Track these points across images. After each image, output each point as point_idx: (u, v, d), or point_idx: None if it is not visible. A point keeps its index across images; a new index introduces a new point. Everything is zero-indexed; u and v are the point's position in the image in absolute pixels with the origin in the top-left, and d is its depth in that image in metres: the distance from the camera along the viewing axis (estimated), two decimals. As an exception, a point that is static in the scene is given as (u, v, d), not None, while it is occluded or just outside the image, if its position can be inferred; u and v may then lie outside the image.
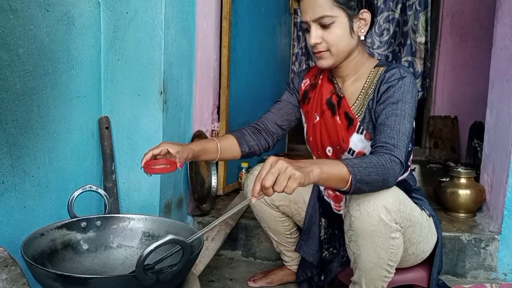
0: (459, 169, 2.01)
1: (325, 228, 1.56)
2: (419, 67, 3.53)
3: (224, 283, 1.68)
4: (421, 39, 3.50)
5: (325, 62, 1.27)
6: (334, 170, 1.05)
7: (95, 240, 1.16)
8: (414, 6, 3.46)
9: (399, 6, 3.50)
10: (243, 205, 1.02)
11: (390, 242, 1.19)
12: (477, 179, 2.07)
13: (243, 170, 2.45)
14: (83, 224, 1.15)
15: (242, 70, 2.38)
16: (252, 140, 1.45)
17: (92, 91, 1.57)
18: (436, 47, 3.55)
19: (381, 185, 1.13)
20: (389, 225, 1.16)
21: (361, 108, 1.29)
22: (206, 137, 2.15)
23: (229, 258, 1.92)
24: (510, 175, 1.70)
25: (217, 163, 2.22)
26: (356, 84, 1.32)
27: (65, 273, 0.85)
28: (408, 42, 3.53)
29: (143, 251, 0.81)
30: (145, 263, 0.82)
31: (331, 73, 1.38)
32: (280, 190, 0.94)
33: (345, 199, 1.24)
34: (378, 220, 1.15)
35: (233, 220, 1.86)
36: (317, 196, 1.55)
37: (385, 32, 3.54)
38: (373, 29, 3.51)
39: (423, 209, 1.33)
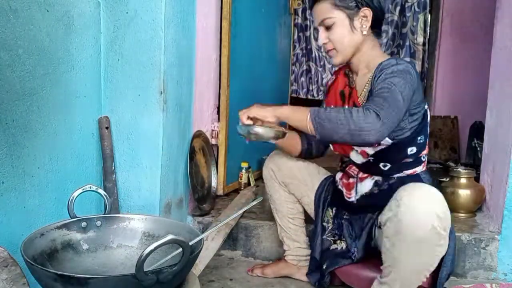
0: (459, 169, 2.01)
1: (333, 217, 1.57)
2: (418, 68, 3.53)
3: (224, 283, 1.68)
4: (420, 39, 3.50)
5: (335, 59, 1.42)
6: (297, 109, 1.28)
7: (95, 240, 1.16)
8: (413, 7, 3.47)
9: (398, 8, 3.50)
10: (253, 203, 1.04)
11: (437, 249, 1.20)
12: (477, 179, 2.07)
13: (243, 170, 2.45)
14: (83, 224, 1.15)
15: (242, 70, 2.38)
16: (311, 140, 1.58)
17: (92, 91, 1.57)
18: (436, 47, 3.55)
19: (348, 126, 1.17)
20: (440, 233, 1.17)
21: (365, 98, 1.40)
22: (206, 137, 2.15)
23: (229, 258, 1.92)
24: (510, 175, 1.70)
25: (217, 163, 2.22)
26: (365, 77, 1.42)
27: (65, 273, 0.85)
28: (407, 43, 3.53)
29: (143, 251, 0.81)
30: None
31: (348, 67, 1.50)
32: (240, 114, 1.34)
33: (391, 205, 1.22)
34: (430, 228, 1.16)
35: (233, 220, 1.86)
36: (331, 187, 1.61)
37: (383, 34, 3.55)
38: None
39: None
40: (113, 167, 1.63)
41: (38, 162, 1.29)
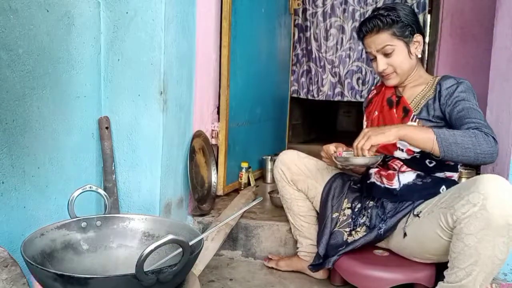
0: (459, 169, 2.00)
1: (351, 208, 1.62)
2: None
3: (224, 283, 1.68)
4: (420, 39, 3.51)
5: (392, 81, 1.56)
6: (419, 129, 1.33)
7: (95, 240, 1.16)
8: (413, 7, 3.46)
9: None
10: (253, 203, 1.05)
11: None
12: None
13: (243, 170, 2.46)
14: (83, 224, 1.15)
15: (242, 70, 2.38)
16: None
17: (92, 91, 1.57)
18: (436, 47, 3.55)
19: (474, 150, 1.28)
20: None
21: (418, 105, 1.52)
22: (206, 137, 2.15)
23: (229, 258, 1.92)
24: (510, 175, 1.70)
25: (217, 163, 2.22)
26: (415, 89, 1.56)
27: (65, 273, 0.85)
28: (408, 43, 3.53)
29: (143, 251, 0.81)
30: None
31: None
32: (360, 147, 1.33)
33: (470, 199, 1.24)
34: None
35: (233, 220, 1.86)
36: (346, 182, 1.68)
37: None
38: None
39: None
40: (113, 167, 1.63)
41: (38, 162, 1.29)
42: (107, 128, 1.62)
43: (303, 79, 3.61)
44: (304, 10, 3.51)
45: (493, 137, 1.31)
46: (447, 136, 1.29)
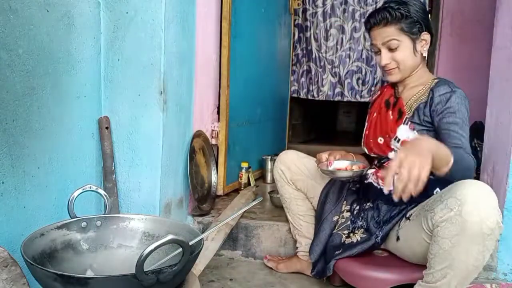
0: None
1: (350, 211, 1.61)
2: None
3: (224, 283, 1.68)
4: (420, 39, 3.50)
5: (394, 77, 1.54)
6: (439, 144, 1.23)
7: (95, 240, 1.16)
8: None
9: None
10: (253, 203, 1.05)
11: (495, 243, 1.23)
12: (477, 179, 2.07)
13: (243, 170, 2.46)
14: (83, 224, 1.15)
15: (242, 70, 2.38)
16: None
17: (92, 91, 1.57)
18: (436, 47, 3.55)
19: (462, 173, 1.28)
20: (501, 227, 1.20)
21: (411, 107, 1.51)
22: (206, 137, 2.15)
23: (229, 258, 1.92)
24: (510, 175, 1.70)
25: (217, 163, 2.22)
26: (412, 90, 1.55)
27: (65, 273, 0.85)
28: (407, 43, 3.52)
29: (143, 251, 0.81)
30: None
31: (395, 83, 1.62)
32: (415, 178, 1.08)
33: (448, 204, 1.23)
34: (496, 223, 1.18)
35: (233, 220, 1.86)
36: (345, 184, 1.67)
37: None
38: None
39: None
40: (113, 167, 1.63)
41: (38, 162, 1.29)
42: (107, 128, 1.62)
43: (303, 79, 3.61)
44: (304, 10, 3.50)
45: (471, 156, 1.33)
46: (458, 160, 1.24)
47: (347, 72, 3.48)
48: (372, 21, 1.49)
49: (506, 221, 1.73)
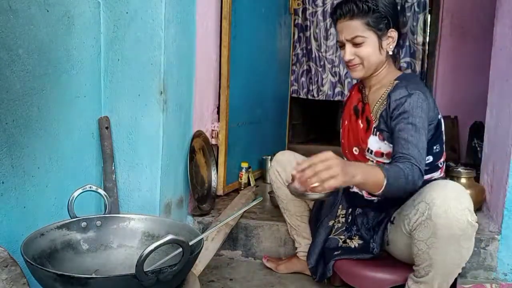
0: (459, 169, 2.01)
1: (345, 215, 1.60)
2: (418, 68, 3.53)
3: (224, 283, 1.68)
4: (419, 39, 3.50)
5: (358, 73, 1.48)
6: (373, 177, 1.21)
7: (95, 240, 1.16)
8: (413, 7, 3.46)
9: (398, 8, 3.49)
10: (253, 203, 1.05)
11: (472, 241, 1.26)
12: (477, 179, 2.07)
13: (243, 170, 2.46)
14: (83, 224, 1.15)
15: (242, 70, 2.38)
16: None
17: (92, 91, 1.57)
18: (436, 47, 3.55)
19: (403, 191, 1.26)
20: (474, 226, 1.23)
21: (377, 114, 1.46)
22: (206, 137, 2.15)
23: (229, 258, 1.92)
24: (510, 175, 1.70)
25: (217, 163, 2.22)
26: (377, 93, 1.50)
27: (65, 273, 0.85)
28: (407, 43, 3.52)
29: (143, 251, 0.81)
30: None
31: (362, 83, 1.58)
32: (319, 181, 1.12)
33: (419, 208, 1.26)
34: (466, 223, 1.20)
35: (233, 220, 1.86)
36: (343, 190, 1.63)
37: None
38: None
39: None
40: (113, 167, 1.63)
41: (38, 162, 1.29)
42: (107, 128, 1.62)
43: (303, 79, 3.61)
44: (304, 10, 3.50)
45: (418, 166, 1.27)
46: (392, 182, 1.22)
47: (347, 72, 3.48)
48: (338, 13, 1.43)
49: (506, 221, 1.73)
